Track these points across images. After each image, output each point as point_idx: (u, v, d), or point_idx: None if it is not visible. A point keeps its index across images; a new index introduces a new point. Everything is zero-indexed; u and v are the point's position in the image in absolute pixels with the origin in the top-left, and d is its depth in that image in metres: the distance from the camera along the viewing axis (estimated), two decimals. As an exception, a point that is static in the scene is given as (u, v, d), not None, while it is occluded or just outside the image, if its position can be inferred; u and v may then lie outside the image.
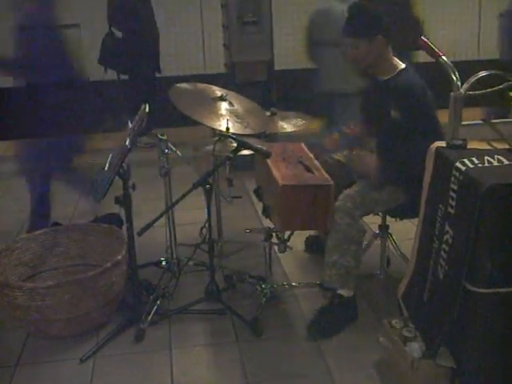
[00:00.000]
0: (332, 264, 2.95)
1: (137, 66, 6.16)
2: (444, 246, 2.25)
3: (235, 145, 2.93)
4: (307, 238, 3.81)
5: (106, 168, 2.92)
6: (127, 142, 2.88)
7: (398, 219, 3.25)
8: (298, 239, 3.28)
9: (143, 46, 6.10)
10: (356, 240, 2.92)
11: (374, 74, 3.06)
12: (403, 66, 3.00)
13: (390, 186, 3.02)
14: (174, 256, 3.54)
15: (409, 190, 2.99)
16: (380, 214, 3.27)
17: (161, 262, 3.61)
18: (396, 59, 3.01)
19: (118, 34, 6.13)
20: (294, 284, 3.40)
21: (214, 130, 3.43)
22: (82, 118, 4.30)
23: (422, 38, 2.62)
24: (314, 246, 3.71)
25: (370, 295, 3.28)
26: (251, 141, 3.00)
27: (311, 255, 3.77)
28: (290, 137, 3.87)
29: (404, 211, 3.10)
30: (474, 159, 2.19)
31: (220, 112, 3.29)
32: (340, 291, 2.99)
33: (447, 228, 2.24)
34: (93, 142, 4.56)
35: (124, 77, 6.32)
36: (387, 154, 3.03)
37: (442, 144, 2.39)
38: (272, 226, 3.11)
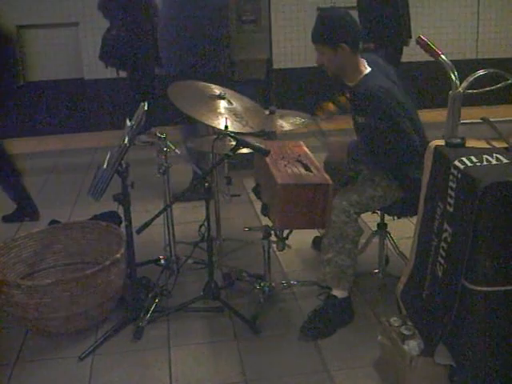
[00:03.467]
0: (327, 262, 2.95)
1: (136, 63, 6.15)
2: (443, 244, 2.26)
3: (234, 143, 2.94)
4: (316, 238, 3.82)
5: (105, 166, 2.92)
6: (126, 140, 2.88)
7: (395, 217, 3.25)
8: (297, 237, 3.28)
9: (142, 42, 6.09)
10: (351, 239, 2.92)
11: (344, 79, 3.08)
12: (368, 70, 3.00)
13: (384, 182, 3.03)
14: (173, 254, 3.54)
15: (403, 186, 3.01)
16: (378, 212, 3.28)
17: (159, 260, 3.61)
18: (364, 64, 3.01)
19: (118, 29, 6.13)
20: (292, 282, 3.40)
21: (212, 128, 3.43)
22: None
23: (421, 36, 2.62)
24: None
25: (368, 293, 3.29)
26: (250, 139, 3.01)
27: (310, 253, 3.77)
28: (288, 135, 3.88)
29: (401, 209, 3.11)
30: (472, 158, 2.19)
31: (219, 110, 3.29)
32: (334, 292, 3.00)
33: (446, 226, 2.24)
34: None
35: (124, 75, 6.33)
36: (370, 151, 3.06)
37: (441, 142, 2.40)
38: (271, 224, 3.11)
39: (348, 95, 3.15)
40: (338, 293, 2.99)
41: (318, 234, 3.80)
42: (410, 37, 6.34)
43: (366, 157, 3.04)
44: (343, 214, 2.89)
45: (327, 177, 2.90)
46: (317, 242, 3.81)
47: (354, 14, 6.20)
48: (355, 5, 6.47)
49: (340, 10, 3.11)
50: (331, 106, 3.47)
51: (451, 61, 2.57)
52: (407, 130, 2.87)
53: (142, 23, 6.11)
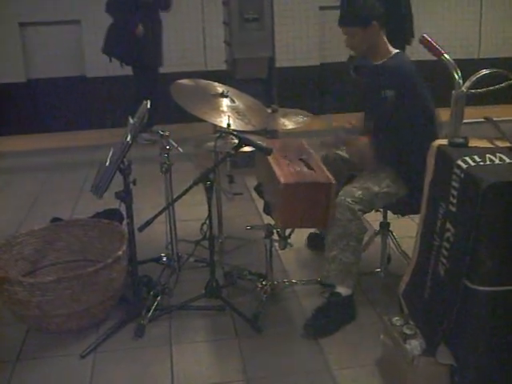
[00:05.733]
0: (331, 259, 2.95)
1: (139, 59, 6.15)
2: (445, 243, 2.25)
3: (236, 141, 2.93)
4: (309, 235, 3.82)
5: (107, 163, 2.92)
6: (128, 138, 2.88)
7: (399, 216, 3.25)
8: (299, 236, 3.28)
9: (145, 38, 6.09)
10: (355, 236, 2.92)
11: (371, 58, 3.13)
12: (396, 50, 3.09)
13: (388, 179, 3.03)
14: (175, 252, 3.54)
15: (408, 183, 3.01)
16: (381, 210, 3.27)
17: (161, 258, 3.61)
18: (389, 45, 3.09)
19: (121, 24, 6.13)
20: (294, 281, 3.40)
21: (215, 126, 3.43)
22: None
23: (425, 36, 2.62)
24: (316, 243, 3.71)
25: (370, 292, 3.28)
26: (252, 137, 3.00)
27: (312, 252, 3.77)
28: (290, 133, 3.88)
29: (405, 207, 3.10)
30: (475, 157, 2.18)
31: (221, 108, 3.29)
32: (338, 289, 2.99)
33: (448, 226, 2.24)
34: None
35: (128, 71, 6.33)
36: (383, 140, 3.07)
37: (444, 142, 2.39)
38: (273, 222, 3.11)
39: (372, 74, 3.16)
40: (343, 290, 2.98)
41: (313, 231, 3.80)
42: (413, 36, 6.33)
43: (381, 151, 3.05)
44: (348, 211, 2.89)
45: (330, 176, 2.89)
46: (311, 240, 3.80)
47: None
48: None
49: None
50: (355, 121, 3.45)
51: (454, 60, 2.57)
52: (432, 110, 2.95)
53: (148, 21, 6.12)
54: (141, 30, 6.01)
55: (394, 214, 3.25)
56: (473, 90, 2.47)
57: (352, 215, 2.89)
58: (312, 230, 3.78)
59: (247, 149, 3.02)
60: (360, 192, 2.96)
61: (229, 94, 3.38)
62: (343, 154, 3.39)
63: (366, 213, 3.00)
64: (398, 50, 3.09)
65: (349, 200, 2.91)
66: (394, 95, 2.96)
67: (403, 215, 3.23)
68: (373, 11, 3.00)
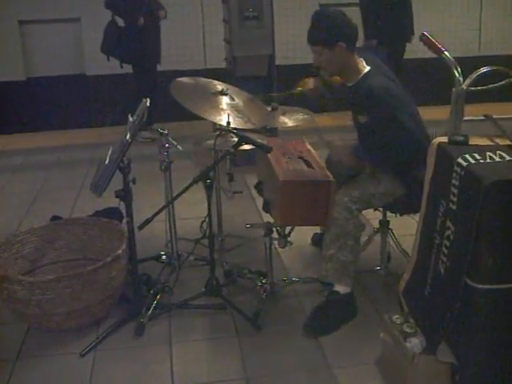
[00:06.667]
0: (329, 258, 2.95)
1: (139, 57, 6.15)
2: (445, 241, 2.25)
3: (236, 139, 2.93)
4: (314, 234, 3.81)
5: (107, 162, 2.91)
6: (127, 136, 2.87)
7: (397, 215, 3.25)
8: (299, 234, 3.27)
9: (144, 37, 6.09)
10: (353, 235, 2.92)
11: (343, 80, 3.08)
12: (367, 69, 2.99)
13: (386, 179, 3.03)
14: (175, 250, 3.54)
15: (405, 183, 3.01)
16: (380, 209, 3.27)
17: (161, 256, 3.61)
18: (362, 63, 3.00)
19: (120, 22, 6.12)
20: (294, 279, 3.40)
21: (214, 124, 3.42)
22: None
23: (425, 33, 2.61)
24: (321, 241, 3.69)
25: (370, 291, 3.28)
26: (252, 135, 3.00)
27: (312, 250, 3.77)
28: (290, 132, 3.87)
29: (403, 206, 3.10)
30: (475, 155, 2.18)
31: (221, 106, 3.29)
32: (336, 287, 2.99)
33: (449, 224, 2.23)
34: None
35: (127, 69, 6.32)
36: (369, 145, 3.06)
37: (444, 140, 2.39)
38: (272, 221, 3.11)
39: (347, 95, 3.12)
40: (341, 288, 2.98)
41: (318, 231, 3.79)
42: (413, 34, 6.33)
43: (369, 155, 3.03)
44: (345, 210, 2.89)
45: (329, 174, 2.89)
46: (316, 239, 3.80)
47: (355, 10, 6.23)
48: (357, 1, 6.46)
49: (334, 9, 3.09)
50: (311, 82, 3.41)
51: (454, 58, 2.56)
52: (408, 125, 2.86)
53: (147, 19, 6.11)
54: (141, 21, 6.00)
55: (392, 213, 3.25)
56: (473, 88, 2.47)
57: (349, 214, 2.89)
58: (315, 230, 3.77)
59: (247, 147, 3.01)
60: (358, 191, 2.96)
61: (228, 91, 3.38)
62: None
63: (362, 211, 3.01)
64: (368, 68, 2.98)
65: (346, 199, 2.91)
66: (367, 121, 2.96)
67: (401, 214, 3.23)
68: (339, 32, 2.90)
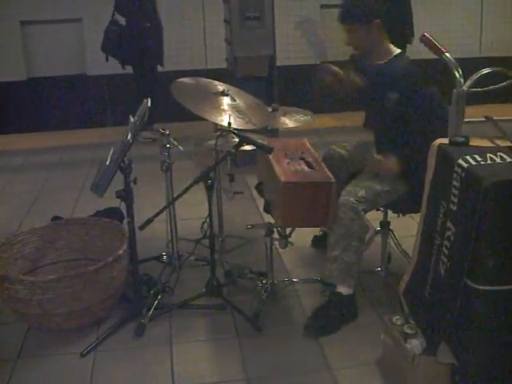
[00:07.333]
0: (333, 259, 2.95)
1: (140, 58, 6.15)
2: (446, 242, 2.25)
3: (237, 140, 2.93)
4: (315, 237, 3.81)
5: (108, 162, 2.91)
6: (129, 137, 2.87)
7: (400, 215, 3.24)
8: (299, 235, 3.28)
9: (147, 37, 6.10)
10: (358, 236, 2.92)
11: (371, 58, 3.10)
12: (398, 50, 3.05)
13: (389, 177, 3.02)
14: (175, 251, 3.54)
15: (410, 181, 3.00)
16: (381, 209, 3.27)
17: (162, 256, 3.61)
18: (391, 45, 3.06)
19: (122, 21, 6.12)
20: (294, 280, 3.40)
21: (215, 125, 3.42)
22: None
23: (426, 34, 2.61)
24: (320, 244, 3.69)
25: (370, 292, 3.28)
26: (253, 136, 3.00)
27: (313, 251, 3.77)
28: (291, 132, 3.87)
29: (406, 205, 3.09)
30: (476, 156, 2.18)
31: (222, 107, 3.29)
32: (339, 288, 2.99)
33: (449, 225, 2.23)
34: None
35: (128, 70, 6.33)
36: (385, 138, 3.06)
37: (445, 141, 2.39)
38: (273, 221, 3.11)
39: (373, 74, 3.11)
40: (344, 289, 2.98)
41: (319, 233, 3.79)
42: (413, 35, 6.33)
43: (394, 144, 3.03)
44: (351, 211, 2.88)
45: (330, 175, 2.89)
46: (316, 241, 3.80)
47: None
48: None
49: None
50: (330, 78, 3.32)
51: (455, 59, 2.56)
52: (440, 108, 2.89)
53: (149, 20, 6.12)
54: (147, 24, 6.01)
55: (395, 213, 3.25)
56: (474, 89, 2.47)
57: (355, 215, 2.89)
58: (317, 231, 3.77)
59: (248, 147, 3.02)
60: (363, 191, 2.95)
61: (229, 92, 3.38)
62: (343, 152, 3.38)
63: (368, 212, 3.00)
64: (400, 50, 3.06)
65: (352, 199, 2.90)
66: (397, 97, 2.94)
67: (404, 214, 3.23)
68: (375, 9, 2.97)
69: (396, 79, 2.95)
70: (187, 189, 2.87)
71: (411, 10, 6.45)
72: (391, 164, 3.00)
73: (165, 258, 3.60)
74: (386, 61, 3.03)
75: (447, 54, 2.56)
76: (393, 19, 6.21)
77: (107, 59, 6.18)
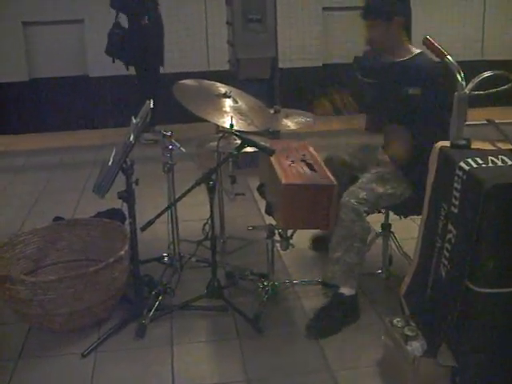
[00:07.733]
0: (335, 260, 2.95)
1: (142, 57, 6.16)
2: (447, 245, 2.26)
3: (239, 142, 2.94)
4: (314, 238, 3.81)
5: (110, 163, 2.92)
6: (131, 138, 2.88)
7: (402, 217, 3.24)
8: (301, 237, 3.28)
9: (148, 35, 6.10)
10: (360, 237, 2.92)
11: (390, 55, 3.11)
12: (419, 50, 3.06)
13: (393, 180, 3.02)
14: (177, 252, 3.54)
15: (415, 184, 2.99)
16: (383, 211, 3.27)
17: (163, 257, 3.61)
18: (412, 45, 3.08)
19: (124, 24, 6.13)
20: (295, 281, 3.40)
21: (217, 126, 3.42)
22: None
23: (428, 37, 2.62)
24: (320, 245, 3.69)
25: (371, 294, 3.28)
26: (255, 138, 3.00)
27: (314, 253, 3.77)
28: (293, 134, 3.87)
29: (409, 208, 3.08)
30: (477, 159, 2.19)
31: (224, 109, 3.29)
32: (341, 289, 2.99)
33: (450, 227, 2.24)
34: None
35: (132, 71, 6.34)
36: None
37: (446, 143, 2.40)
38: (275, 223, 3.11)
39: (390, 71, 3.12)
40: (346, 290, 2.98)
41: (318, 236, 3.79)
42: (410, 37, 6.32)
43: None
44: (352, 212, 2.88)
45: (332, 177, 2.89)
46: (316, 244, 3.80)
47: (359, 14, 6.22)
48: (360, 5, 6.45)
49: None
50: (328, 105, 3.41)
51: (457, 62, 2.57)
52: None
53: (150, 17, 6.12)
54: (145, 21, 6.02)
55: (397, 215, 3.24)
56: (476, 92, 2.47)
57: (356, 216, 2.89)
58: (315, 232, 3.77)
59: (250, 149, 3.02)
60: (365, 193, 2.95)
61: (231, 94, 3.38)
62: (344, 156, 3.38)
63: (370, 214, 3.00)
64: (420, 50, 3.06)
65: (353, 201, 2.90)
66: (420, 93, 2.94)
67: (406, 216, 3.23)
68: (396, 7, 3.01)
69: (418, 75, 2.96)
70: (189, 190, 2.88)
71: (411, 11, 6.44)
72: (401, 148, 3.03)
73: (166, 259, 3.60)
74: (406, 58, 3.05)
75: (449, 57, 2.57)
76: (409, 19, 6.26)
77: (113, 61, 6.19)
